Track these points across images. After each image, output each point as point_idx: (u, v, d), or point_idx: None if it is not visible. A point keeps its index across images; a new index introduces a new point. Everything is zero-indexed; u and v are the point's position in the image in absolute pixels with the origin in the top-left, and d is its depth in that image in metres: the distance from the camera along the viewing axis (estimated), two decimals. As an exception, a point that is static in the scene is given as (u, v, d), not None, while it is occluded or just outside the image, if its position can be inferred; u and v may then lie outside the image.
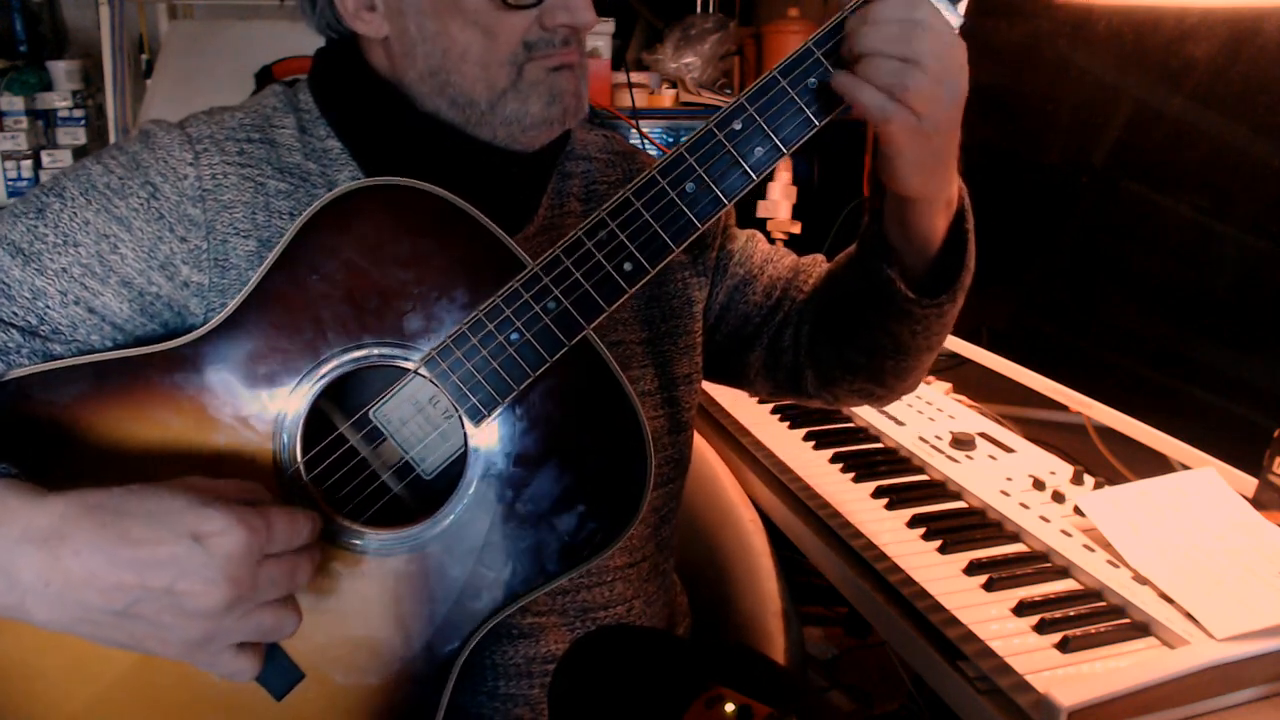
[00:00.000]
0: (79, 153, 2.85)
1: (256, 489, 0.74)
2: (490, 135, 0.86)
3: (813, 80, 0.77)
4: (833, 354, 0.99)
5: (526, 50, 0.83)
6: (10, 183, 2.80)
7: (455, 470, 0.81)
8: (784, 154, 0.78)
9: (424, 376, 0.80)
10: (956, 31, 0.77)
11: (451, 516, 0.81)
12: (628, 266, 0.79)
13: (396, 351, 0.80)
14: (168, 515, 0.68)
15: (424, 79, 0.85)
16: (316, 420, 0.80)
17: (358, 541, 0.80)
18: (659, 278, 0.88)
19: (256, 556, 0.69)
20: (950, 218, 0.86)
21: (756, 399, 1.52)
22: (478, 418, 0.80)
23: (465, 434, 0.80)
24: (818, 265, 1.06)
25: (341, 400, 0.82)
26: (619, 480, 0.81)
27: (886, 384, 0.99)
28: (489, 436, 0.80)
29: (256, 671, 0.73)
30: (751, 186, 0.79)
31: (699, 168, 0.78)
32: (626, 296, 0.80)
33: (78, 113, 2.87)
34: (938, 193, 0.83)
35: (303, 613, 0.73)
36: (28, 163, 2.80)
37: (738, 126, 0.78)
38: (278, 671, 0.78)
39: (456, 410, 0.80)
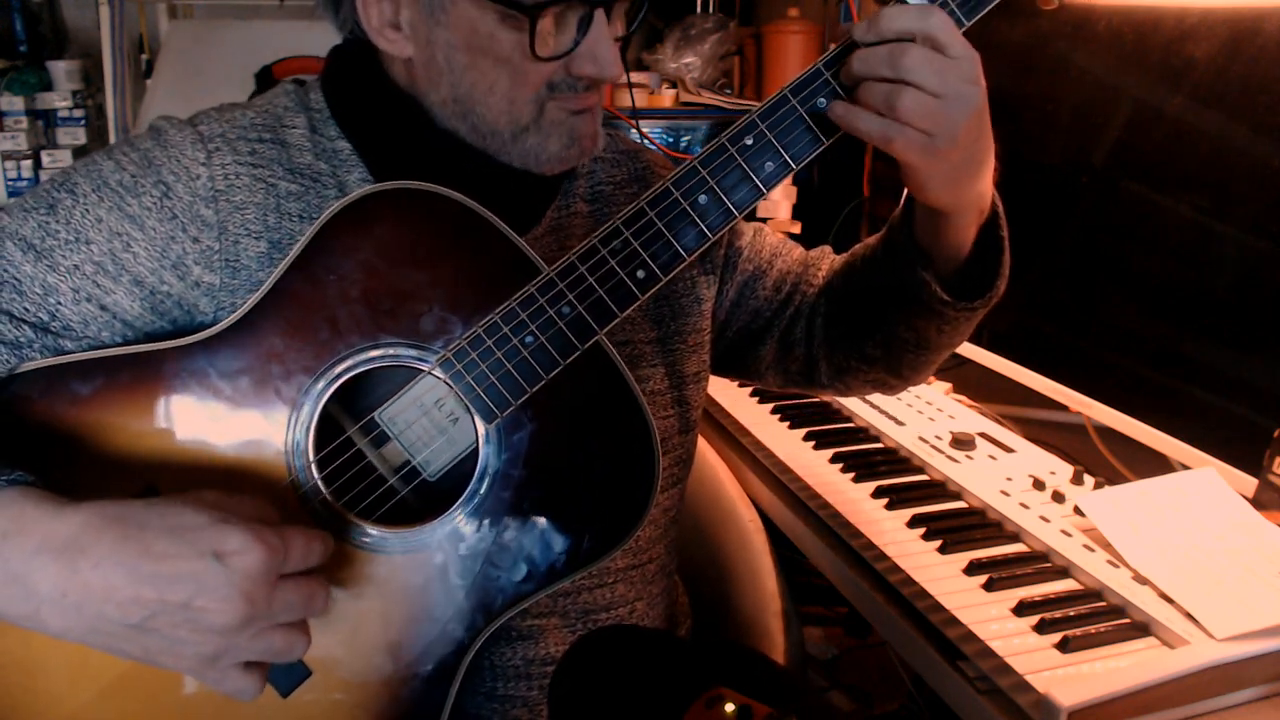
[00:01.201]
0: (79, 153, 2.85)
1: (268, 511, 0.74)
2: (507, 160, 0.86)
3: (822, 100, 0.79)
4: (849, 346, 1.00)
5: (550, 90, 0.83)
6: (10, 183, 2.80)
7: (460, 473, 0.82)
8: (793, 169, 0.80)
9: (438, 378, 0.80)
10: (960, 44, 0.76)
11: (460, 516, 0.81)
12: (641, 274, 0.80)
13: (412, 352, 0.80)
14: (189, 531, 0.68)
15: (446, 103, 0.84)
16: (327, 420, 0.81)
17: (367, 539, 0.80)
18: None
19: (273, 575, 0.69)
20: (980, 225, 0.86)
21: (756, 398, 1.53)
22: (489, 419, 0.80)
23: (477, 434, 0.81)
24: (826, 257, 1.07)
25: (353, 401, 0.82)
26: (627, 482, 0.82)
27: (902, 375, 1.00)
28: (500, 438, 0.81)
29: (260, 691, 0.73)
30: (761, 199, 0.81)
31: (711, 180, 0.80)
32: (639, 303, 0.81)
33: (78, 113, 2.87)
34: (968, 205, 0.83)
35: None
36: (28, 163, 2.81)
37: (749, 142, 0.79)
38: (285, 669, 0.78)
39: (469, 411, 0.80)
